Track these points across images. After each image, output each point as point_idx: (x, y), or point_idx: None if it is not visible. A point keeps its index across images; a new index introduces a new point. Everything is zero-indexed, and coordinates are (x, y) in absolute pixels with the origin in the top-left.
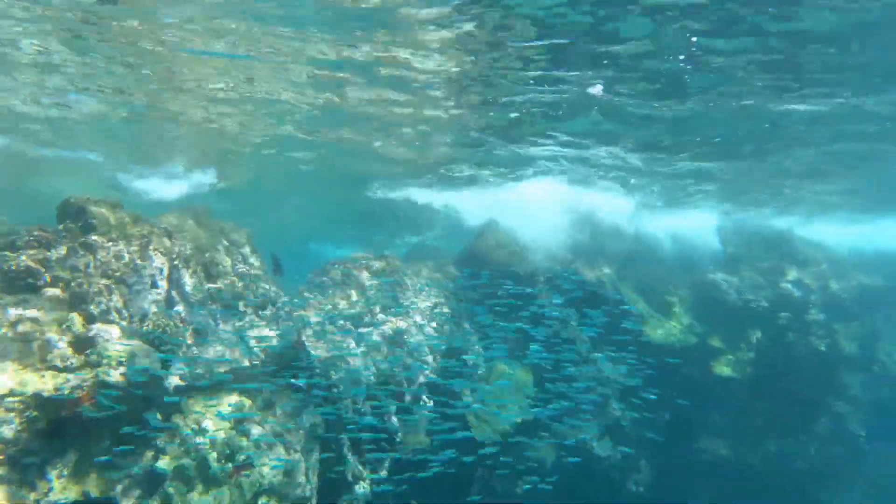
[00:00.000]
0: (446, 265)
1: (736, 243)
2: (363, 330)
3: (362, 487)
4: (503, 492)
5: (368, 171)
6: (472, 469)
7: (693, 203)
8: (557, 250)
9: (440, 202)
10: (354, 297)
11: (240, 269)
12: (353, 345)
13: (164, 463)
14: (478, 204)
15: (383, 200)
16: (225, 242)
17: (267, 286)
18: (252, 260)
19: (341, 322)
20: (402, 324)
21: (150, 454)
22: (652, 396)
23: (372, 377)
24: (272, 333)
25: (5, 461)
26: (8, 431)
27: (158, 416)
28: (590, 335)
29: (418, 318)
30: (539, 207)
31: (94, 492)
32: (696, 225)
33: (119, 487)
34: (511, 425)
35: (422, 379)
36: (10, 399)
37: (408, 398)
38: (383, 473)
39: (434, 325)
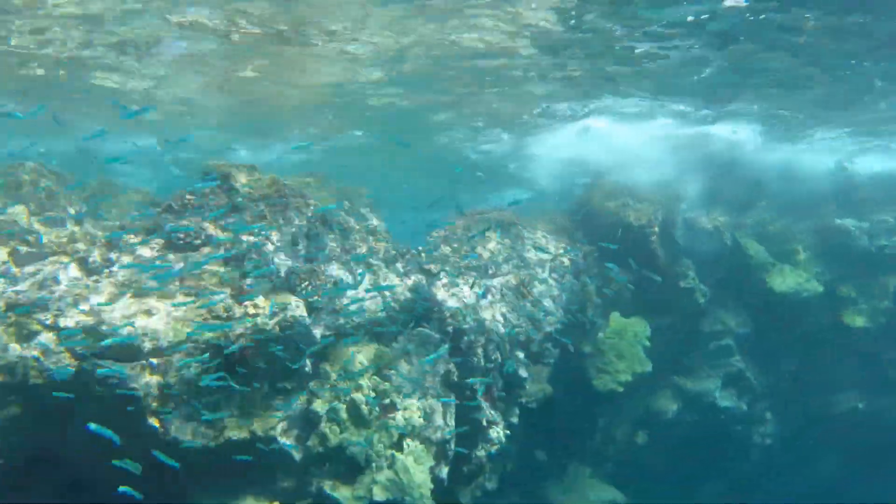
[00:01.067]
0: (558, 218)
1: (864, 185)
2: (489, 282)
3: (496, 432)
4: (623, 441)
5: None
6: (594, 418)
7: (812, 143)
8: (670, 198)
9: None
10: (479, 251)
11: (370, 226)
12: (480, 296)
13: (317, 405)
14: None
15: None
16: (346, 203)
17: (392, 243)
18: (372, 219)
19: (468, 274)
20: (525, 276)
21: (303, 398)
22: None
23: (500, 327)
24: (404, 285)
25: (189, 401)
26: (188, 374)
27: (308, 363)
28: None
29: (539, 271)
30: (650, 150)
31: (259, 431)
32: (816, 167)
33: (279, 427)
34: (631, 375)
35: (547, 329)
36: (189, 345)
37: (534, 348)
38: (514, 420)
39: (555, 276)
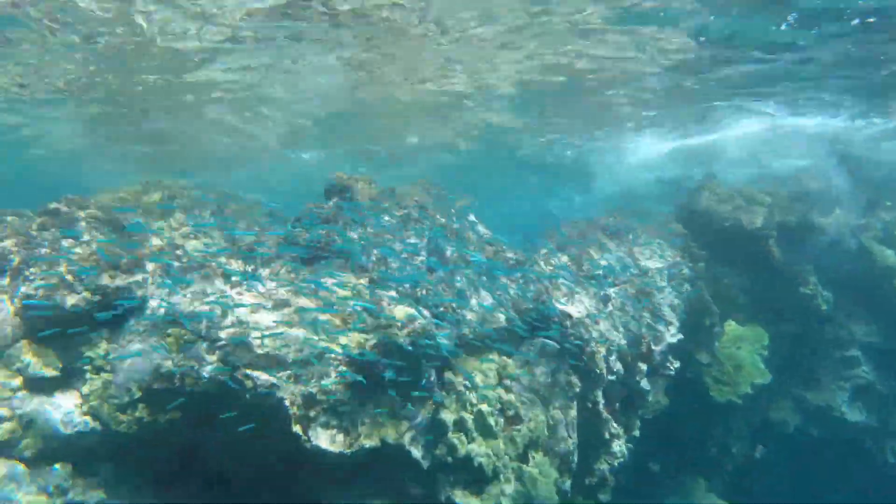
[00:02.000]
0: (667, 223)
1: None
2: (607, 291)
3: (618, 445)
4: (740, 453)
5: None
6: (710, 430)
7: None
8: (787, 199)
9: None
10: (594, 258)
11: (483, 234)
12: (599, 305)
13: (445, 415)
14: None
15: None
16: (453, 211)
17: (509, 251)
18: (480, 227)
19: (586, 282)
20: (642, 284)
21: (430, 408)
22: None
23: (621, 337)
24: (524, 294)
25: (328, 409)
26: (328, 383)
27: (433, 373)
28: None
29: (657, 279)
30: (764, 149)
31: (390, 439)
32: None
33: (408, 436)
34: (750, 386)
35: (668, 339)
36: (328, 356)
37: (655, 359)
38: (636, 433)
39: (672, 284)
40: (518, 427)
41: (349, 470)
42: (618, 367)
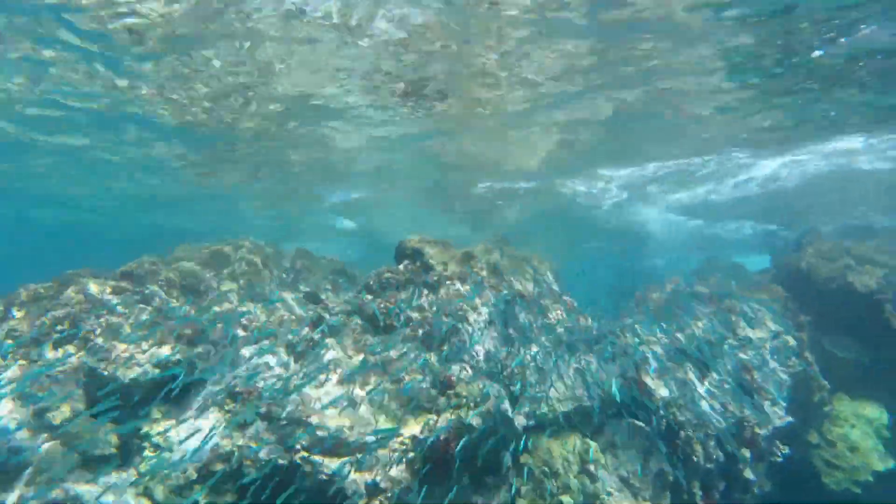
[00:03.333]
0: (765, 285)
1: None
2: (703, 366)
3: None
4: None
5: None
6: None
7: None
8: None
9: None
10: (688, 328)
11: (561, 299)
12: (696, 382)
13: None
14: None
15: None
16: (529, 271)
17: (587, 319)
18: (556, 288)
19: (679, 356)
20: (745, 357)
21: (505, 494)
22: None
23: (719, 420)
24: (608, 371)
25: (393, 499)
26: (395, 472)
27: (509, 456)
28: None
29: (760, 351)
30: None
31: None
32: None
33: None
34: (870, 474)
35: (776, 421)
36: (394, 441)
37: (760, 444)
38: None
39: (777, 358)
40: None
41: None
42: (717, 454)
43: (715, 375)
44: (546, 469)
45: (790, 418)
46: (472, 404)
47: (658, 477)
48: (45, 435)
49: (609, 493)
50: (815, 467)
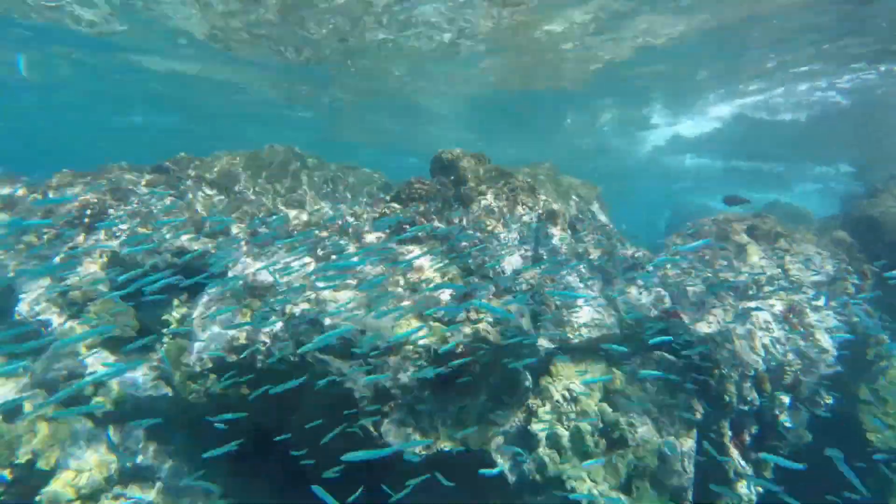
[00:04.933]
0: (830, 230)
1: None
2: (748, 304)
3: (745, 487)
4: None
5: None
6: (863, 480)
7: None
8: None
9: None
10: (734, 264)
11: (605, 227)
12: (737, 320)
13: (536, 427)
14: None
15: None
16: (575, 198)
17: (629, 246)
18: (602, 217)
19: (721, 291)
20: (794, 299)
21: (522, 415)
22: None
23: (759, 361)
24: (644, 299)
25: (403, 406)
26: (405, 378)
27: (528, 377)
28: None
29: (816, 296)
30: None
31: (473, 444)
32: None
33: (494, 444)
34: None
35: (823, 369)
36: (407, 348)
37: (802, 391)
38: (768, 475)
39: (833, 304)
40: (622, 451)
41: (425, 473)
42: (752, 395)
43: (759, 315)
44: (566, 393)
45: (839, 368)
46: (491, 320)
47: (685, 413)
48: (70, 311)
49: (631, 424)
50: (861, 423)
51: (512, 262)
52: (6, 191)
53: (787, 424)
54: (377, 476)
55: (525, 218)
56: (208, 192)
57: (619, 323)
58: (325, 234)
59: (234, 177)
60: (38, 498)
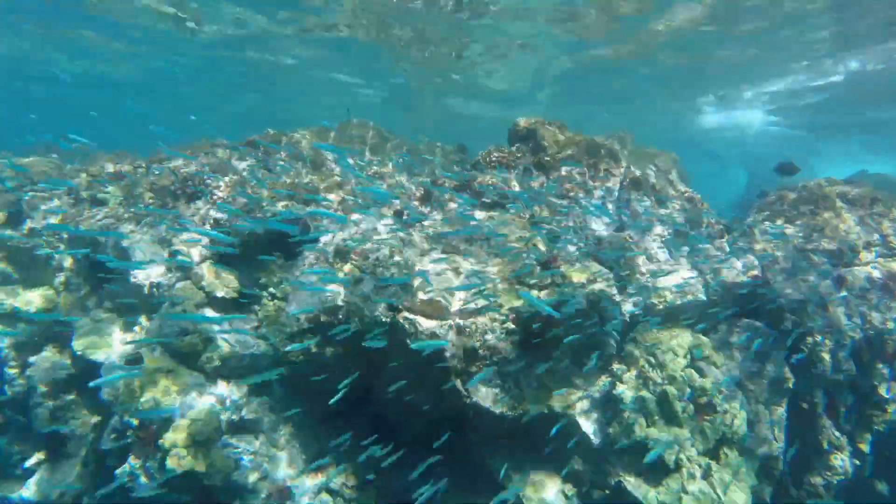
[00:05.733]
0: None
1: None
2: (843, 272)
3: (839, 459)
4: None
5: None
6: None
7: None
8: None
9: None
10: (825, 230)
11: (685, 194)
12: (831, 286)
13: (622, 391)
14: None
15: None
16: (653, 167)
17: (713, 213)
18: (681, 186)
19: (815, 258)
20: (894, 266)
21: (606, 379)
22: None
23: (856, 330)
24: (732, 265)
25: (492, 366)
26: (492, 339)
27: (613, 342)
28: None
29: None
30: None
31: (557, 407)
32: None
33: (579, 407)
34: None
35: None
36: (493, 310)
37: None
38: (864, 447)
39: None
40: (710, 417)
41: (510, 433)
42: (849, 365)
43: (854, 281)
44: (651, 359)
45: None
46: (576, 284)
47: (775, 382)
48: (179, 274)
49: (718, 391)
50: None
51: (595, 227)
52: (112, 168)
53: (887, 396)
54: (462, 435)
55: (608, 184)
56: (296, 164)
57: (705, 289)
58: (407, 200)
59: (317, 150)
60: (160, 441)
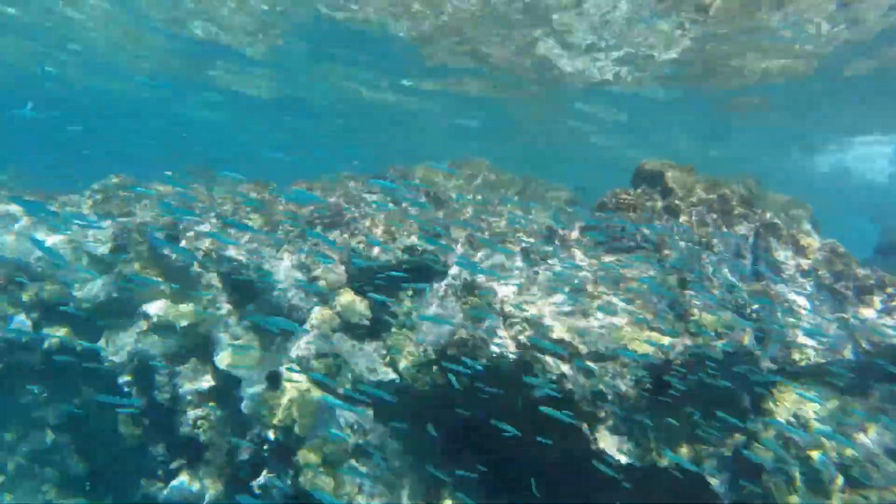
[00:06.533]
0: None
1: None
2: None
3: None
4: None
5: None
6: None
7: None
8: None
9: None
10: None
11: (826, 244)
12: None
13: (758, 452)
14: None
15: None
16: (783, 216)
17: (861, 266)
18: (816, 237)
19: None
20: None
21: (741, 437)
22: None
23: None
24: (886, 323)
25: (618, 413)
26: (622, 385)
27: (748, 398)
28: None
29: None
30: None
31: (685, 461)
32: None
33: (708, 464)
34: None
35: None
36: (624, 356)
37: None
38: None
39: None
40: (865, 494)
41: (632, 484)
42: None
43: None
44: (792, 420)
45: None
46: (712, 334)
47: None
48: (316, 299)
49: (875, 462)
50: None
51: (728, 275)
52: (256, 195)
53: None
54: (586, 482)
55: (741, 230)
56: (421, 198)
57: (854, 347)
58: (530, 239)
59: (436, 184)
60: (294, 458)
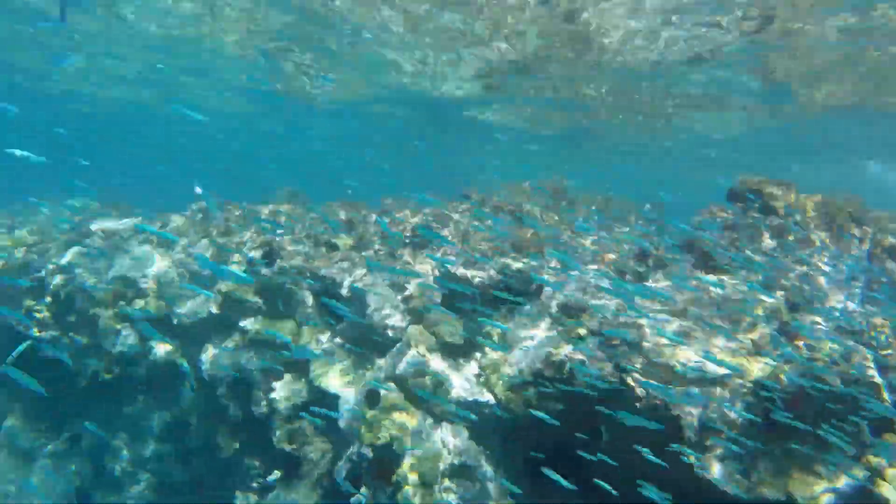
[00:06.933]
0: None
1: None
2: None
3: None
4: None
5: None
6: None
7: None
8: None
9: None
10: None
11: None
12: None
13: (885, 491)
14: None
15: None
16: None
17: None
18: None
19: None
20: None
21: (861, 472)
22: None
23: None
24: None
25: (726, 441)
26: (733, 414)
27: (867, 429)
28: None
29: None
30: None
31: (797, 495)
32: None
33: (824, 499)
34: None
35: None
36: (735, 381)
37: None
38: None
39: None
40: None
41: None
42: None
43: None
44: None
45: None
46: (827, 359)
47: None
48: (410, 318)
49: None
50: None
51: (842, 299)
52: (344, 216)
53: None
54: None
55: (853, 251)
56: (505, 218)
57: None
58: (615, 257)
59: (519, 205)
60: (394, 477)
